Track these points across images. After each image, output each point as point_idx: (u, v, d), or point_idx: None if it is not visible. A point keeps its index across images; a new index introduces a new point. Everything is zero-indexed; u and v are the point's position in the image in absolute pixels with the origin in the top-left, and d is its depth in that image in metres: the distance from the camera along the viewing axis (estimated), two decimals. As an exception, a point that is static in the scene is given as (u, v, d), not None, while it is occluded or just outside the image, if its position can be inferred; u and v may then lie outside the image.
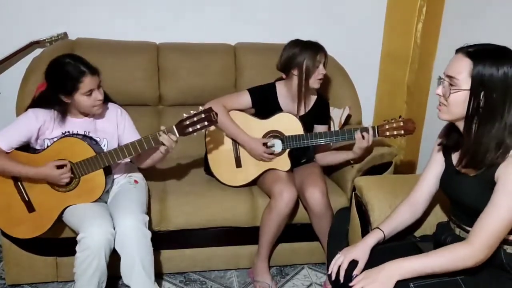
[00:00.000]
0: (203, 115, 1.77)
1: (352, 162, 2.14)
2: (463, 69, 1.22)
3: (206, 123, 1.77)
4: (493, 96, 1.18)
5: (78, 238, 1.72)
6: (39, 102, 1.86)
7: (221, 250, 2.18)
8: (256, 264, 2.13)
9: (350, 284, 1.26)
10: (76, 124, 1.87)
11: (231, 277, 2.22)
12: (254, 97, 2.13)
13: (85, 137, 1.84)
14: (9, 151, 1.81)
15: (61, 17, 2.49)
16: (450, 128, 1.39)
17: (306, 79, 2.06)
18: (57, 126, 1.84)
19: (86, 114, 1.88)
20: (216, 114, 1.79)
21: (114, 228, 1.76)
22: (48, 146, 1.82)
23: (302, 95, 2.11)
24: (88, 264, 1.70)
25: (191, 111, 1.79)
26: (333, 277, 1.38)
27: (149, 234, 1.80)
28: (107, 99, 1.94)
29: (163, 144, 1.80)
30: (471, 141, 1.25)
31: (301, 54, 2.04)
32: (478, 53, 1.21)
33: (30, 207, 1.84)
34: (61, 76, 1.75)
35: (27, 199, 1.84)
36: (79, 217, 1.77)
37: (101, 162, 1.80)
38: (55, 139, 1.83)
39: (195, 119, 1.77)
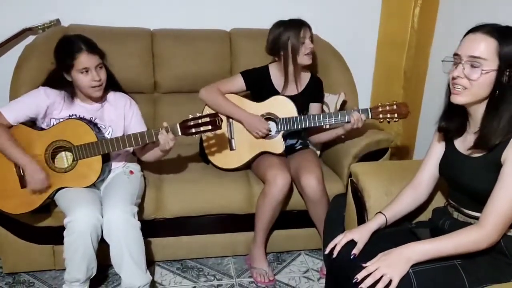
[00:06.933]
0: (208, 119, 1.78)
1: (343, 137, 2.14)
2: (489, 49, 1.20)
3: (210, 127, 1.78)
4: None
5: (65, 222, 1.73)
6: (49, 81, 1.89)
7: (217, 237, 2.18)
8: (252, 250, 2.14)
9: (364, 265, 1.25)
10: (84, 109, 1.90)
11: (228, 264, 2.23)
12: (247, 80, 2.13)
13: (90, 123, 1.85)
14: (14, 124, 1.82)
15: (54, 3, 2.45)
16: (451, 111, 1.36)
17: (294, 57, 2.06)
18: (66, 107, 1.87)
19: (94, 100, 1.90)
20: (221, 120, 1.80)
21: (103, 216, 1.75)
22: (53, 125, 1.84)
23: (290, 74, 2.10)
24: (75, 249, 1.71)
25: (197, 113, 1.81)
26: (327, 251, 1.38)
27: (138, 224, 1.79)
28: (117, 88, 1.99)
29: (157, 141, 1.81)
30: (493, 121, 1.23)
31: (285, 33, 2.05)
32: (503, 33, 1.20)
33: (23, 183, 1.83)
34: (61, 52, 1.80)
35: (22, 174, 1.82)
36: (69, 201, 1.78)
37: (101, 148, 1.81)
38: (61, 120, 1.85)
39: (199, 121, 1.79)
